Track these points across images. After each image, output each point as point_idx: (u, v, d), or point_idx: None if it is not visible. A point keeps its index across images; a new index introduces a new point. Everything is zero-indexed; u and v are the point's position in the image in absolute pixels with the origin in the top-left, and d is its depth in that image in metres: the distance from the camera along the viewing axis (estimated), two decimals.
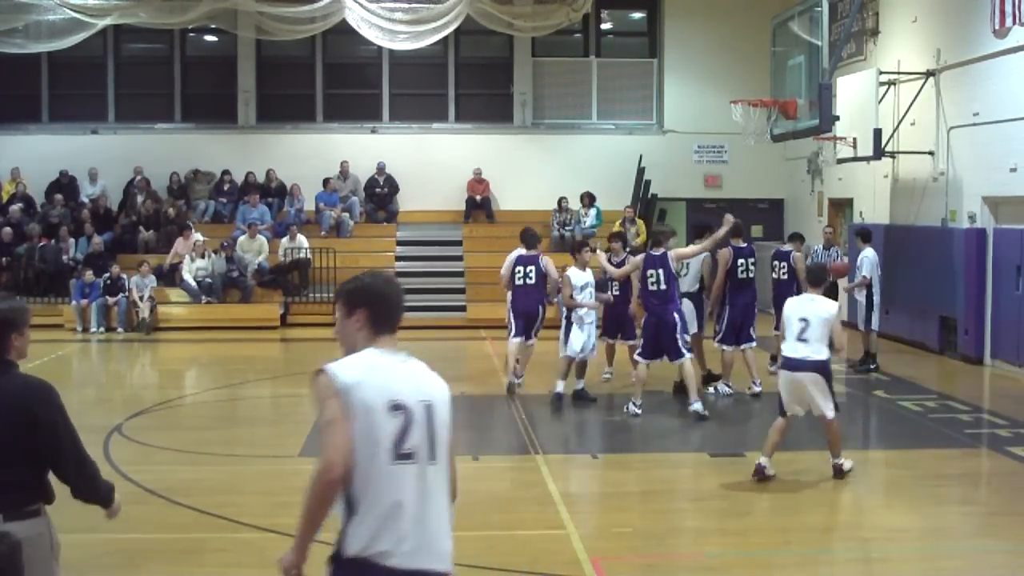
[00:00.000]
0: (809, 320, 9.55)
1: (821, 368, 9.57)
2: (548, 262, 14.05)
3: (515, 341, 13.94)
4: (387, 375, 3.97)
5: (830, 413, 9.70)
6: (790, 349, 9.67)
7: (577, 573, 7.42)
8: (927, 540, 8.37)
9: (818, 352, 9.55)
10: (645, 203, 24.33)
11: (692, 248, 13.60)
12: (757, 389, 13.96)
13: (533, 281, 13.79)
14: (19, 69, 24.64)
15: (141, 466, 10.21)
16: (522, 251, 14.01)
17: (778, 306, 13.47)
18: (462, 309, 21.95)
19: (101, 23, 22.56)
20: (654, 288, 12.41)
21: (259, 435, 12.13)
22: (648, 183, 24.43)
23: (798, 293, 14.36)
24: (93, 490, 4.91)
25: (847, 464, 9.93)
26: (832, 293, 16.78)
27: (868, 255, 16.32)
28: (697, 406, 12.33)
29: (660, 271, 12.36)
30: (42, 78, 25.45)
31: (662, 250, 12.54)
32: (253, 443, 11.52)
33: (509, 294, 14.12)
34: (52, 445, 4.72)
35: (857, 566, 8.04)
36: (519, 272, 13.84)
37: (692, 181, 25.49)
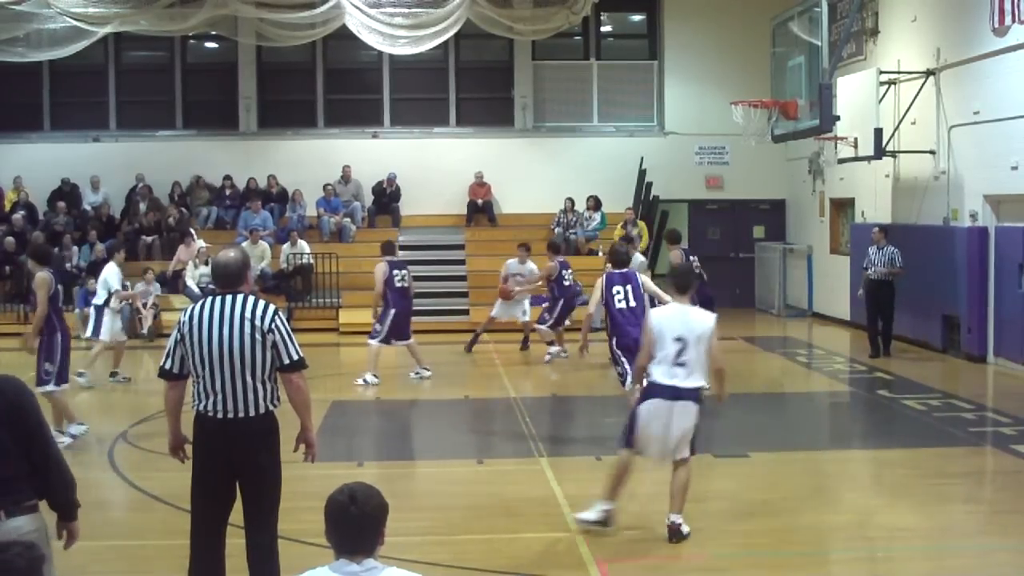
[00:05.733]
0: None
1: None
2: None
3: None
4: None
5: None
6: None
7: (583, 575, 7.43)
8: (932, 539, 8.38)
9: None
10: (647, 205, 24.35)
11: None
12: None
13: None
14: (20, 78, 24.74)
15: (146, 472, 10.24)
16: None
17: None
18: (464, 313, 21.99)
19: (102, 31, 22.57)
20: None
21: None
22: (649, 185, 24.44)
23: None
24: (69, 486, 4.98)
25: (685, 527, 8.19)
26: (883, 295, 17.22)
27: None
28: None
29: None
30: (43, 87, 25.51)
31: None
32: None
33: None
34: (37, 430, 4.84)
35: (862, 565, 8.04)
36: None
37: (694, 183, 25.50)
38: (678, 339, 7.91)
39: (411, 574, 3.84)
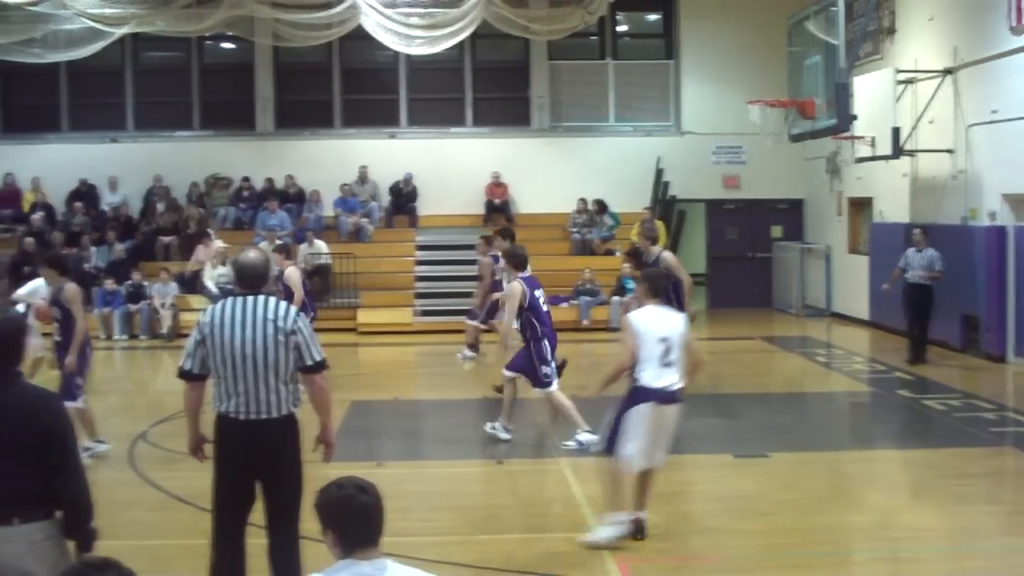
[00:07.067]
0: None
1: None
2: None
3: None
4: None
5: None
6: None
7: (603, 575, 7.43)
8: (952, 539, 8.35)
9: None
10: (664, 205, 24.32)
11: None
12: None
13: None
14: (38, 79, 24.87)
15: (167, 472, 10.28)
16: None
17: None
18: None
19: (119, 32, 22.65)
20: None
21: None
22: (667, 185, 24.42)
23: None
24: (85, 517, 4.79)
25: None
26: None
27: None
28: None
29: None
30: (61, 87, 25.61)
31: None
32: None
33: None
34: (62, 459, 4.68)
35: (883, 566, 8.03)
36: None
37: (711, 182, 25.43)
38: (663, 340, 7.90)
39: (422, 572, 3.83)
